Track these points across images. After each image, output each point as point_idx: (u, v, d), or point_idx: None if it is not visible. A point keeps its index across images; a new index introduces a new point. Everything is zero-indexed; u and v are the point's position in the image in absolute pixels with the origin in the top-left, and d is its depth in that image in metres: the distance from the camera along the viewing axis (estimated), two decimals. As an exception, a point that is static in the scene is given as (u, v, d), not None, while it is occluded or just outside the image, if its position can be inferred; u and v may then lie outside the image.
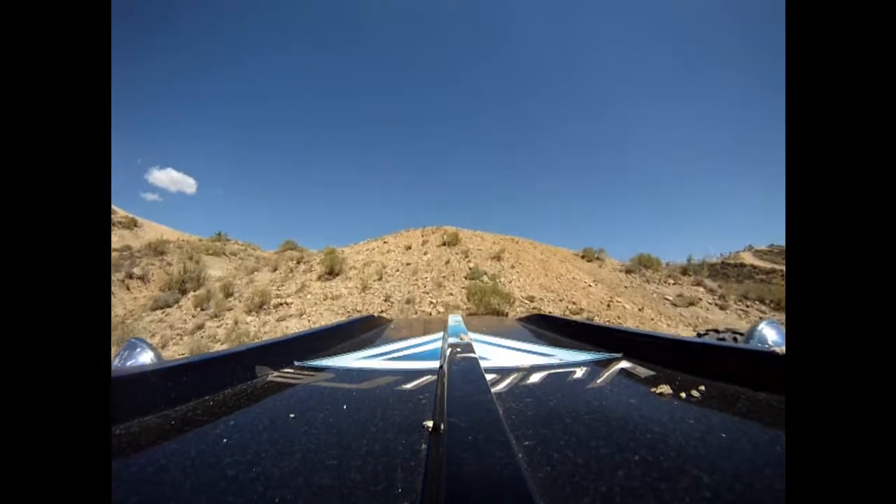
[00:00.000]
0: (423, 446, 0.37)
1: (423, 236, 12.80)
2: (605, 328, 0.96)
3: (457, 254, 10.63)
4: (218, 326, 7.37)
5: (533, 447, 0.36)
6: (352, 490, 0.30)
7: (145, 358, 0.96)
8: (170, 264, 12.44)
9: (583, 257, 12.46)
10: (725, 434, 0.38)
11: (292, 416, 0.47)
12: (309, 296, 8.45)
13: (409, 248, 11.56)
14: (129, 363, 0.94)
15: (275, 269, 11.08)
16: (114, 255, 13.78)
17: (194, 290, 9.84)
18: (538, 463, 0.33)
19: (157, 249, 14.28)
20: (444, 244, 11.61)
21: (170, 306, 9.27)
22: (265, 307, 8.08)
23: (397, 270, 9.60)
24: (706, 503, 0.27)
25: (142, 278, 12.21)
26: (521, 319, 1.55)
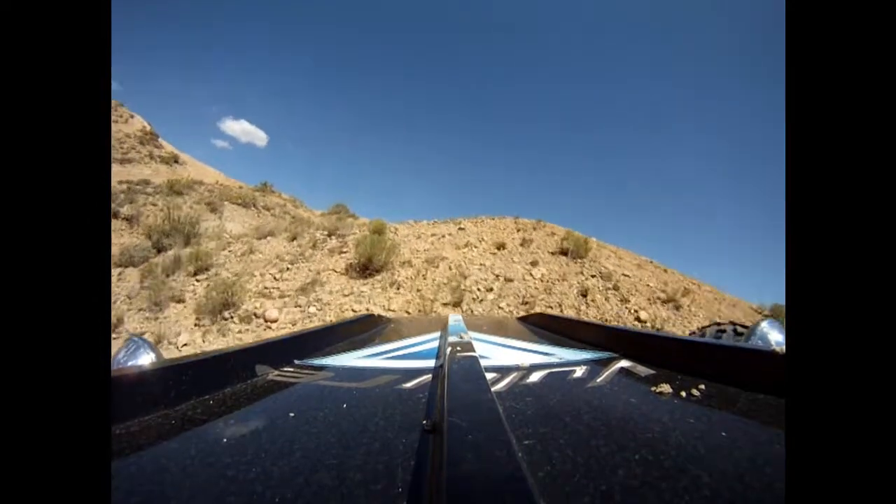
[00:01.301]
0: (424, 445, 0.37)
1: (519, 231, 8.69)
2: (605, 327, 0.96)
3: (591, 276, 6.58)
4: (115, 338, 4.45)
5: (533, 446, 0.36)
6: (352, 489, 0.30)
7: (145, 357, 0.96)
8: (178, 208, 9.22)
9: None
10: (725, 433, 0.38)
11: (292, 415, 0.47)
12: (322, 298, 5.41)
13: (501, 247, 7.66)
14: (129, 362, 0.94)
15: (293, 238, 7.72)
16: (116, 187, 11.06)
17: (181, 248, 6.85)
18: (538, 462, 0.33)
19: (175, 189, 11.23)
20: (561, 252, 7.44)
21: (126, 267, 6.25)
22: (230, 313, 4.88)
23: (487, 287, 6.05)
24: (706, 502, 0.27)
25: (129, 219, 9.12)
26: (521, 319, 1.55)
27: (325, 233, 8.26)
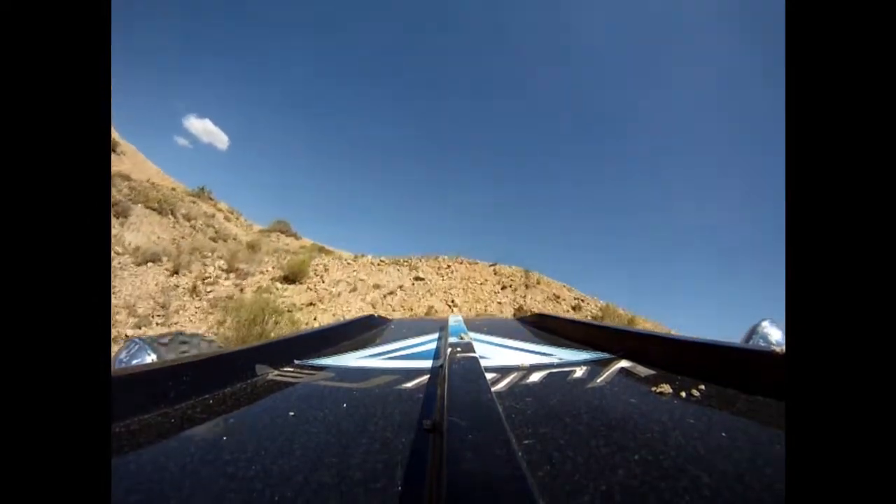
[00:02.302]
0: (423, 445, 0.37)
1: (498, 277, 6.71)
2: (605, 327, 0.96)
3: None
4: None
5: (533, 446, 0.36)
6: (351, 488, 0.30)
7: (146, 357, 0.96)
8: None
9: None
10: (725, 434, 0.38)
11: (292, 414, 0.47)
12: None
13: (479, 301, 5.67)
14: (129, 362, 0.94)
15: (174, 273, 5.72)
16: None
17: None
18: (538, 462, 0.33)
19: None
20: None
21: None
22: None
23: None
24: (706, 502, 0.27)
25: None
26: (521, 319, 1.55)
27: (224, 267, 6.12)
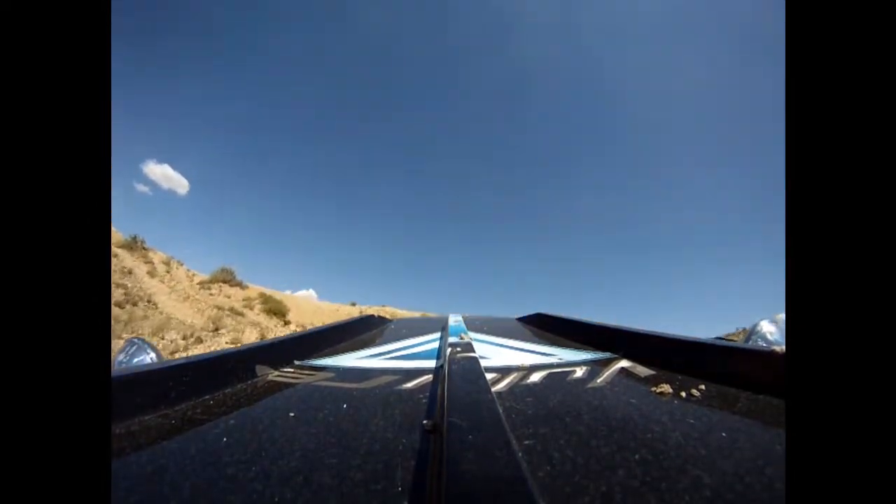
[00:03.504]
0: (424, 445, 0.37)
1: None
2: (605, 328, 0.96)
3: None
4: None
5: (533, 446, 0.36)
6: (351, 489, 0.30)
7: (145, 357, 0.96)
8: None
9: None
10: (725, 434, 0.38)
11: (292, 415, 0.47)
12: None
13: None
14: (128, 362, 0.94)
15: None
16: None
17: None
18: (538, 462, 0.33)
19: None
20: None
21: None
22: None
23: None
24: (706, 502, 0.27)
25: None
26: (521, 319, 1.55)
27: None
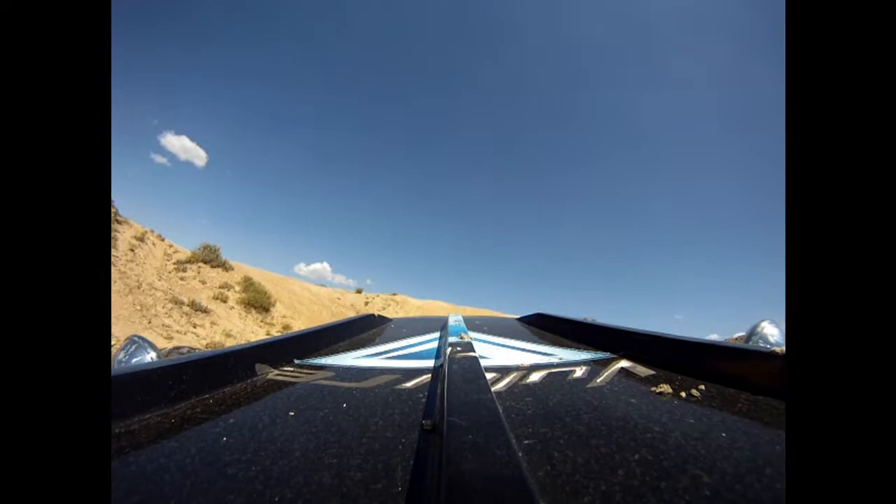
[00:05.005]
0: (423, 445, 0.37)
1: None
2: (605, 328, 0.96)
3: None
4: None
5: (533, 446, 0.36)
6: (351, 488, 0.30)
7: (145, 356, 0.96)
8: None
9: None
10: (725, 434, 0.38)
11: (292, 414, 0.47)
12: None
13: None
14: (128, 361, 0.94)
15: None
16: None
17: None
18: (538, 462, 0.33)
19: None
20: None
21: None
22: None
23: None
24: (706, 503, 0.27)
25: None
26: (521, 319, 1.55)
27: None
